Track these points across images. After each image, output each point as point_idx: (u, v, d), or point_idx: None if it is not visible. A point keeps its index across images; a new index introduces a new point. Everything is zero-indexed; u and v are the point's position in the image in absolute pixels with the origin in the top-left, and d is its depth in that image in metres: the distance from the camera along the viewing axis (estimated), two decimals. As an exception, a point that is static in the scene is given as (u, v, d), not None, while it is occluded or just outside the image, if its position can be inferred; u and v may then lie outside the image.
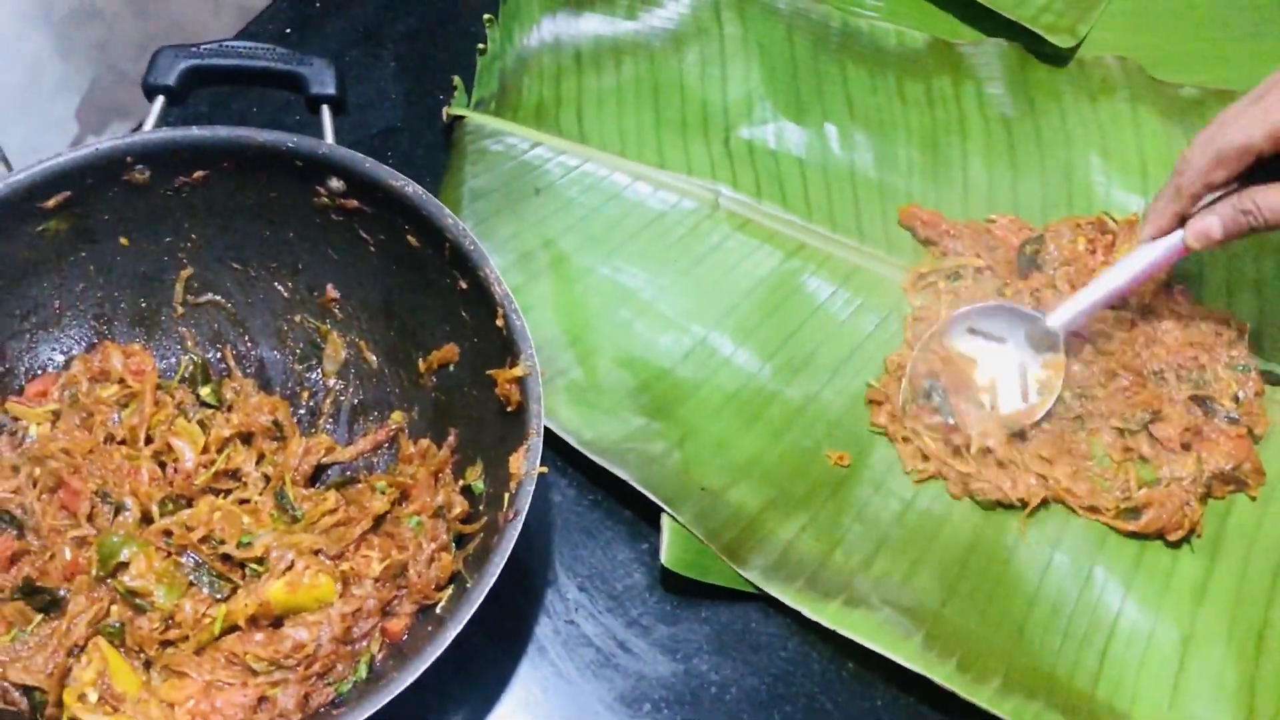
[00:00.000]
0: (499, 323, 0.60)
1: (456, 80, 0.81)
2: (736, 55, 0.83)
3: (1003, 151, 0.82)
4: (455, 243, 0.62)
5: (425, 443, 0.66)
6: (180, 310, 0.69)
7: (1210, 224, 0.65)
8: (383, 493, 0.63)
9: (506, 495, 0.56)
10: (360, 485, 0.64)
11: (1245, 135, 0.62)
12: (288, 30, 0.84)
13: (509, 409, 0.60)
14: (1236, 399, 0.72)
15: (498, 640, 0.63)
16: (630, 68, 0.83)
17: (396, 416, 0.68)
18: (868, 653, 0.63)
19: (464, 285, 0.63)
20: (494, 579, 0.53)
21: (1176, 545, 0.68)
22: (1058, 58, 0.87)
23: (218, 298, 0.70)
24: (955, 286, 0.74)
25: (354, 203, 0.65)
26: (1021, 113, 0.84)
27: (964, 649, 0.62)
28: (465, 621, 0.52)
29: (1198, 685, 0.64)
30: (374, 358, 0.69)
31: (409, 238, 0.65)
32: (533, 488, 0.55)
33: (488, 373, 0.62)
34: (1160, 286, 0.76)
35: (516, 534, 0.54)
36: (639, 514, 0.67)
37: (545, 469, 0.56)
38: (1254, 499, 0.71)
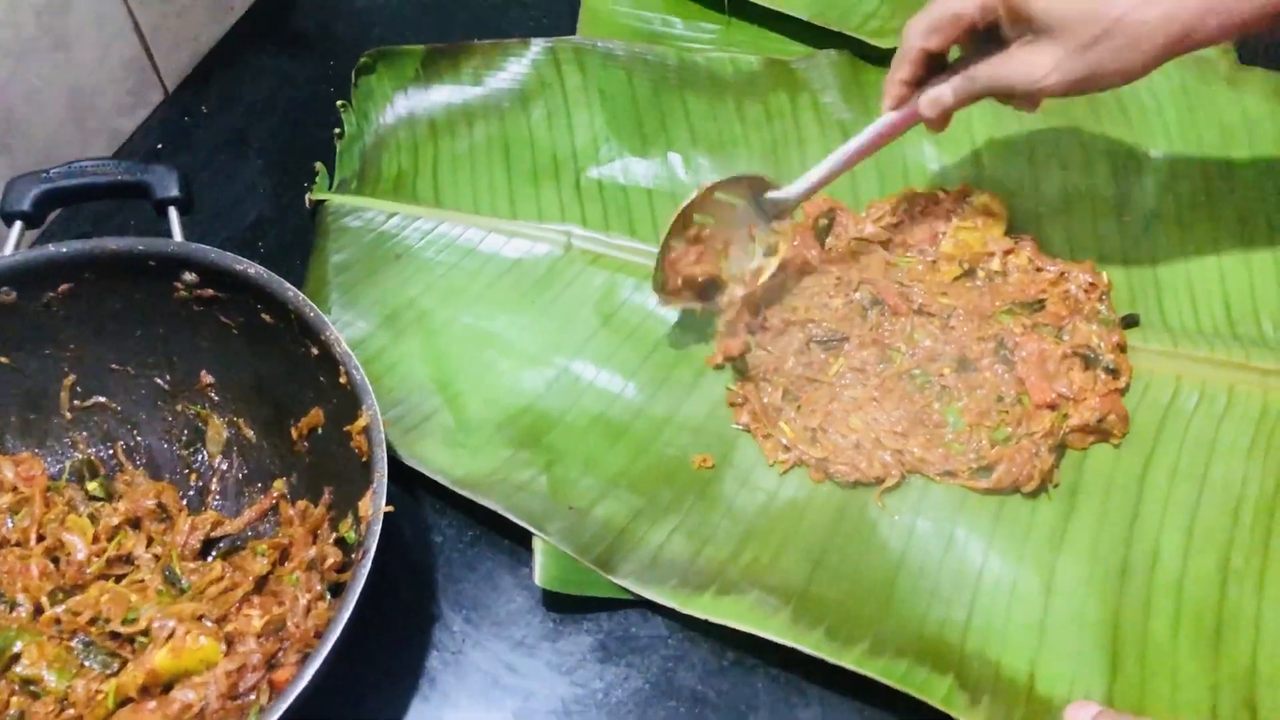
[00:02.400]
0: (343, 380, 0.65)
1: (319, 166, 0.87)
2: (580, 104, 0.89)
3: (840, 153, 0.86)
4: (298, 313, 0.67)
5: (303, 504, 0.70)
6: (69, 416, 0.74)
7: (941, 90, 0.70)
8: (263, 555, 0.67)
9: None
10: (244, 551, 0.68)
11: (957, 4, 0.67)
12: (159, 146, 0.90)
13: (364, 459, 0.64)
14: (1117, 347, 0.75)
15: (393, 680, 0.67)
16: (482, 129, 0.88)
17: (277, 484, 0.72)
18: (745, 640, 0.66)
19: (315, 352, 0.68)
20: (349, 610, 0.57)
21: (1033, 496, 0.71)
22: (887, 60, 0.91)
23: (103, 399, 0.74)
24: (773, 279, 0.78)
25: (209, 291, 0.70)
26: (856, 115, 0.89)
27: (831, 618, 0.66)
28: (328, 652, 0.56)
29: (1062, 627, 0.67)
30: (252, 433, 0.73)
31: (263, 316, 0.70)
32: (379, 527, 0.59)
33: (345, 429, 0.66)
34: (1003, 249, 0.79)
35: (367, 570, 0.58)
36: (516, 541, 0.70)
37: (391, 508, 0.61)
38: (1118, 447, 0.74)
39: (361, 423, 0.64)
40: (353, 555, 0.65)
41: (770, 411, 0.75)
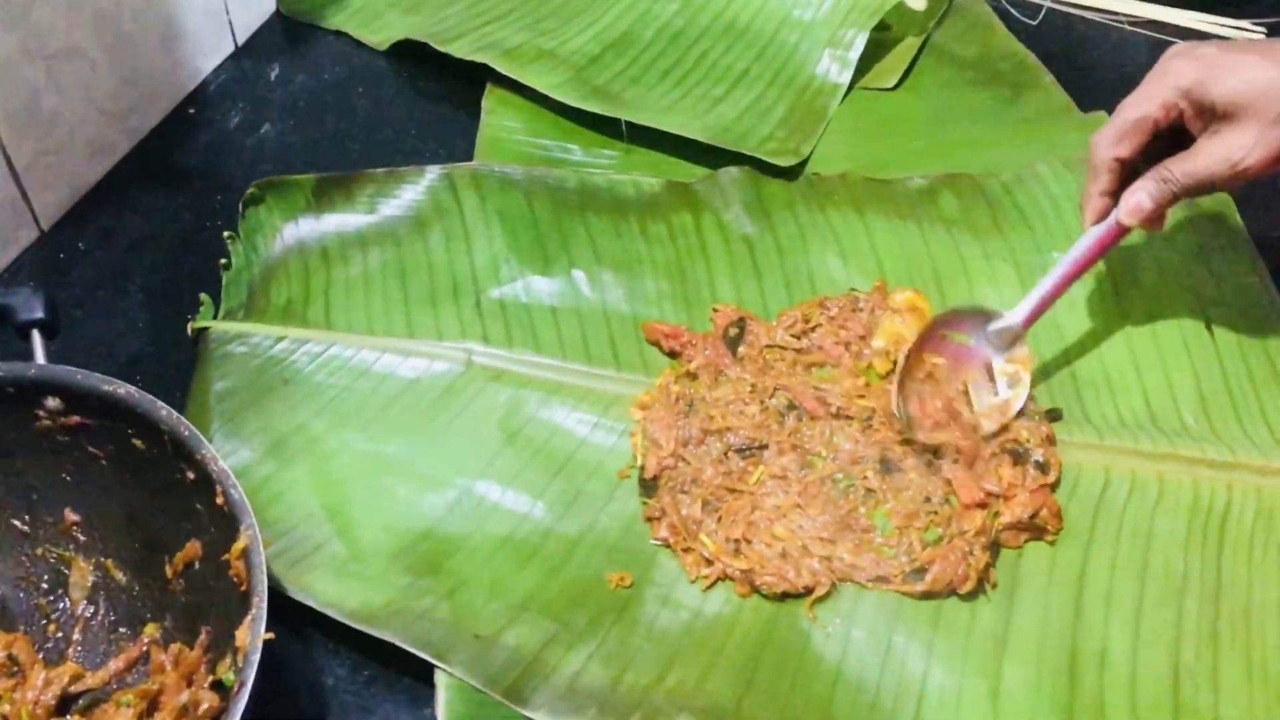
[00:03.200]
0: (219, 501, 0.59)
1: (203, 297, 0.83)
2: (478, 226, 0.87)
3: (746, 266, 0.86)
4: (172, 433, 0.62)
5: (176, 647, 0.63)
6: (-92, 566, 0.67)
7: (1139, 198, 0.70)
8: (128, 705, 0.59)
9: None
10: (106, 704, 0.60)
11: (1140, 109, 0.70)
12: (31, 283, 0.85)
13: (243, 589, 0.58)
14: (1047, 440, 0.73)
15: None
16: (376, 255, 0.86)
17: (149, 629, 0.65)
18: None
19: (191, 476, 0.62)
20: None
21: (971, 598, 0.67)
22: (789, 175, 0.92)
23: (-48, 545, 0.67)
24: (688, 388, 0.76)
25: (75, 418, 0.65)
26: (760, 229, 0.88)
27: (766, 743, 0.60)
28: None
29: (1016, 732, 0.62)
30: (122, 575, 0.67)
31: (135, 441, 0.64)
32: (258, 656, 0.54)
33: (222, 559, 0.60)
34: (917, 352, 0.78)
35: (243, 704, 0.52)
36: (416, 678, 0.64)
37: (272, 635, 0.54)
38: (1053, 544, 0.71)
39: (240, 544, 0.58)
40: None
41: (690, 524, 0.71)
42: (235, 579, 0.59)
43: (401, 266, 0.85)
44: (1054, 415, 0.77)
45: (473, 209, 0.88)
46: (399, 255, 0.86)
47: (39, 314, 0.69)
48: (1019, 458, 0.73)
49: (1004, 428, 0.74)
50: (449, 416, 0.76)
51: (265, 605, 0.55)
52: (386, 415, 0.76)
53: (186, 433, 0.62)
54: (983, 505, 0.71)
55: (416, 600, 0.66)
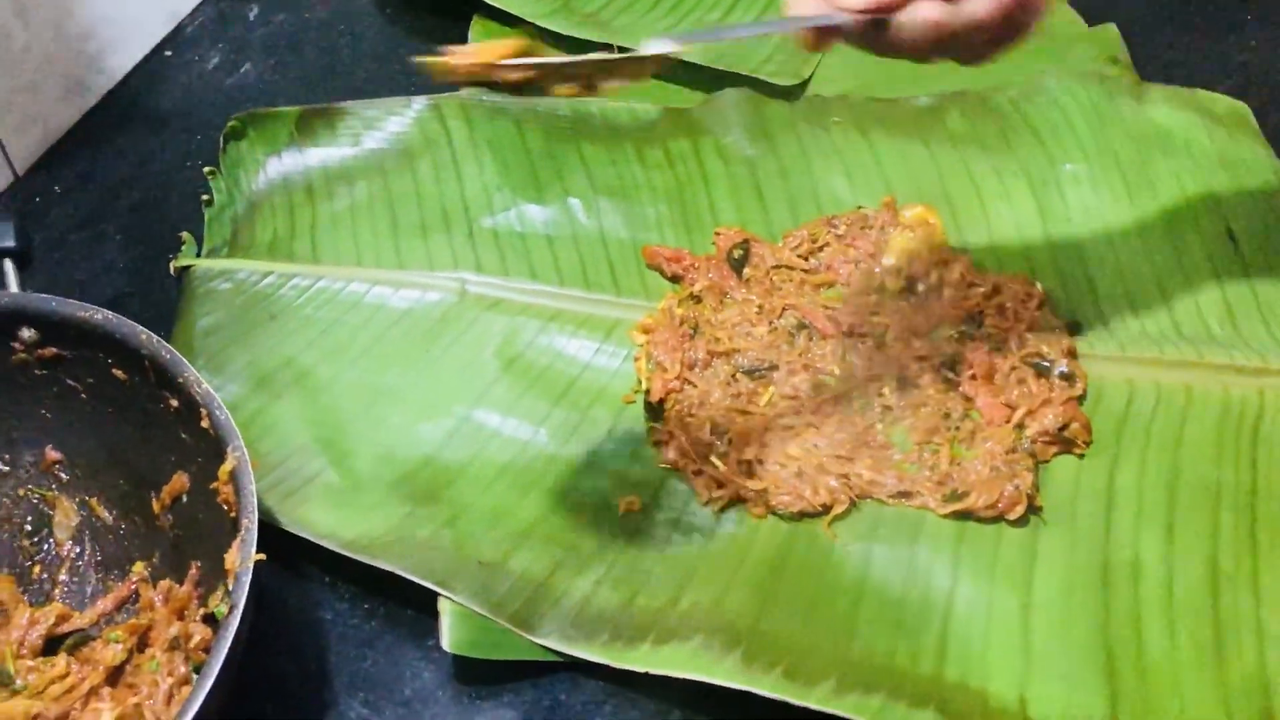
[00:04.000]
0: (205, 424, 0.57)
1: (185, 235, 0.80)
2: (468, 156, 0.84)
3: (748, 188, 0.83)
4: (153, 357, 0.59)
5: (165, 584, 0.61)
6: (-118, 512, 0.64)
7: None
8: (118, 642, 0.57)
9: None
10: (96, 642, 0.58)
11: None
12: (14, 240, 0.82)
13: (233, 515, 0.55)
14: (1069, 353, 0.71)
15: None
16: (364, 188, 0.83)
17: (137, 568, 0.63)
18: (693, 696, 0.58)
19: (175, 404, 0.60)
20: (211, 679, 0.47)
21: (1022, 523, 0.65)
22: (789, 96, 0.89)
23: (-75, 489, 0.65)
24: (692, 311, 0.73)
25: (51, 350, 0.63)
26: (762, 150, 0.85)
27: (789, 658, 0.58)
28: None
29: (1048, 647, 0.60)
30: (107, 513, 0.65)
31: (115, 372, 0.62)
32: (248, 579, 0.51)
33: (211, 487, 0.57)
34: (936, 265, 0.75)
35: (234, 627, 0.49)
36: (419, 610, 0.62)
37: (263, 556, 0.52)
38: (1082, 457, 0.68)
39: (228, 466, 0.55)
40: (223, 630, 0.56)
41: (699, 446, 0.68)
42: (224, 505, 0.57)
43: (389, 198, 0.82)
44: (1074, 328, 0.75)
45: (461, 138, 0.85)
46: (386, 187, 0.83)
47: (9, 242, 0.66)
48: (1042, 371, 0.71)
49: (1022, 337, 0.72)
50: (443, 346, 0.73)
51: (255, 526, 0.53)
52: (379, 347, 0.73)
53: (168, 356, 0.59)
54: (1007, 421, 0.69)
55: (417, 528, 0.63)
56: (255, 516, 0.53)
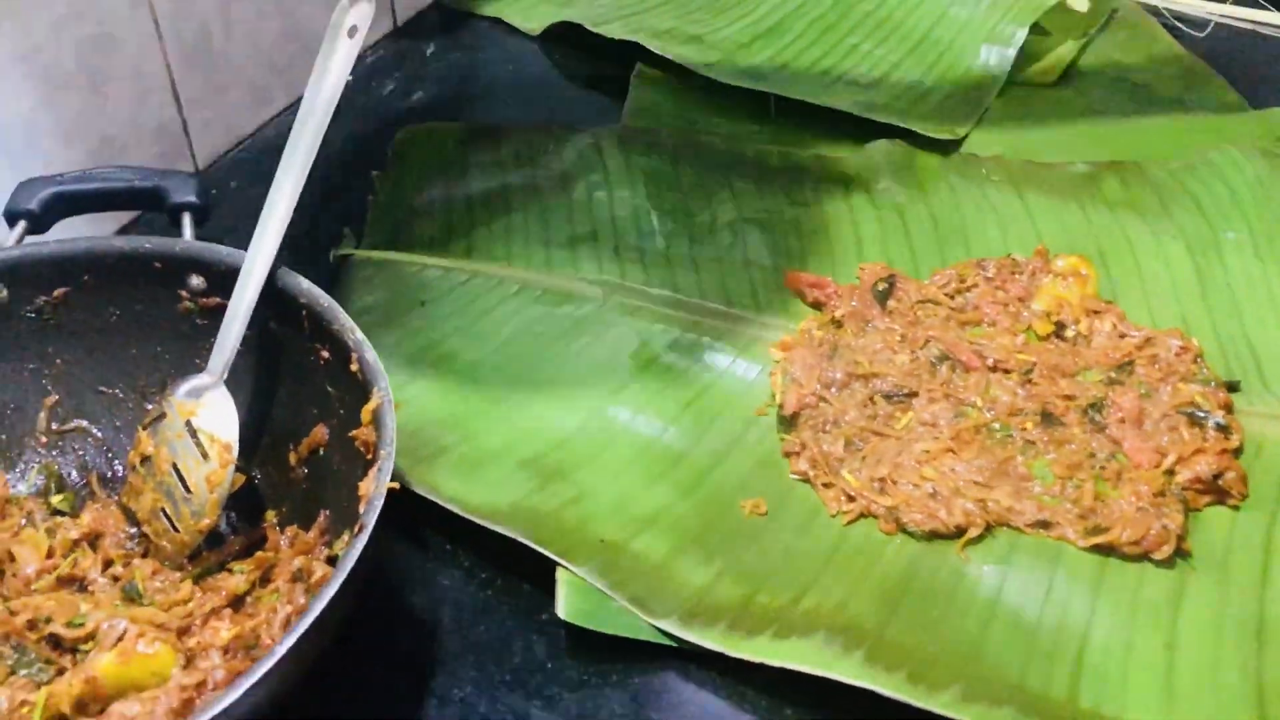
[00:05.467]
0: (354, 368, 0.58)
1: (346, 230, 0.84)
2: (622, 182, 0.86)
3: (896, 230, 0.84)
4: (310, 305, 0.61)
5: (292, 530, 0.61)
6: (44, 439, 0.67)
7: None
8: (242, 574, 0.58)
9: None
10: (222, 573, 0.59)
11: None
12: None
13: (369, 457, 0.56)
14: (1224, 407, 0.68)
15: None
16: (520, 201, 0.85)
17: (268, 516, 0.64)
18: (807, 696, 0.56)
19: (326, 354, 0.62)
20: (326, 599, 0.47)
21: (1169, 565, 0.61)
22: (943, 151, 0.90)
23: (84, 423, 0.68)
24: (832, 334, 0.73)
25: (215, 299, 0.65)
26: (912, 197, 0.86)
27: (913, 664, 0.55)
28: (285, 652, 0.46)
29: (1195, 688, 0.56)
30: (244, 461, 0.66)
31: (270, 324, 0.64)
32: (380, 503, 0.51)
33: (349, 435, 0.59)
34: (1087, 314, 0.74)
35: (360, 549, 0.50)
36: (536, 584, 0.61)
37: (397, 485, 0.52)
38: (1237, 509, 0.65)
39: (372, 404, 0.56)
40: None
41: (831, 460, 0.67)
42: (361, 449, 0.58)
43: (543, 212, 0.85)
44: (1232, 386, 0.72)
45: (617, 166, 0.88)
46: (541, 203, 0.86)
47: (191, 197, 0.69)
48: (1196, 420, 0.68)
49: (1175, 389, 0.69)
50: (582, 344, 0.74)
51: (392, 457, 0.53)
52: (521, 339, 0.74)
53: (325, 304, 0.61)
54: (1157, 465, 0.66)
55: (541, 503, 0.63)
56: (393, 449, 0.54)
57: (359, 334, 0.59)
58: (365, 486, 0.54)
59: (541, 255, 0.81)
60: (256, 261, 0.63)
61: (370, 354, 0.58)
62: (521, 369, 0.72)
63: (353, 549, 0.50)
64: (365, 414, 0.57)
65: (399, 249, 0.82)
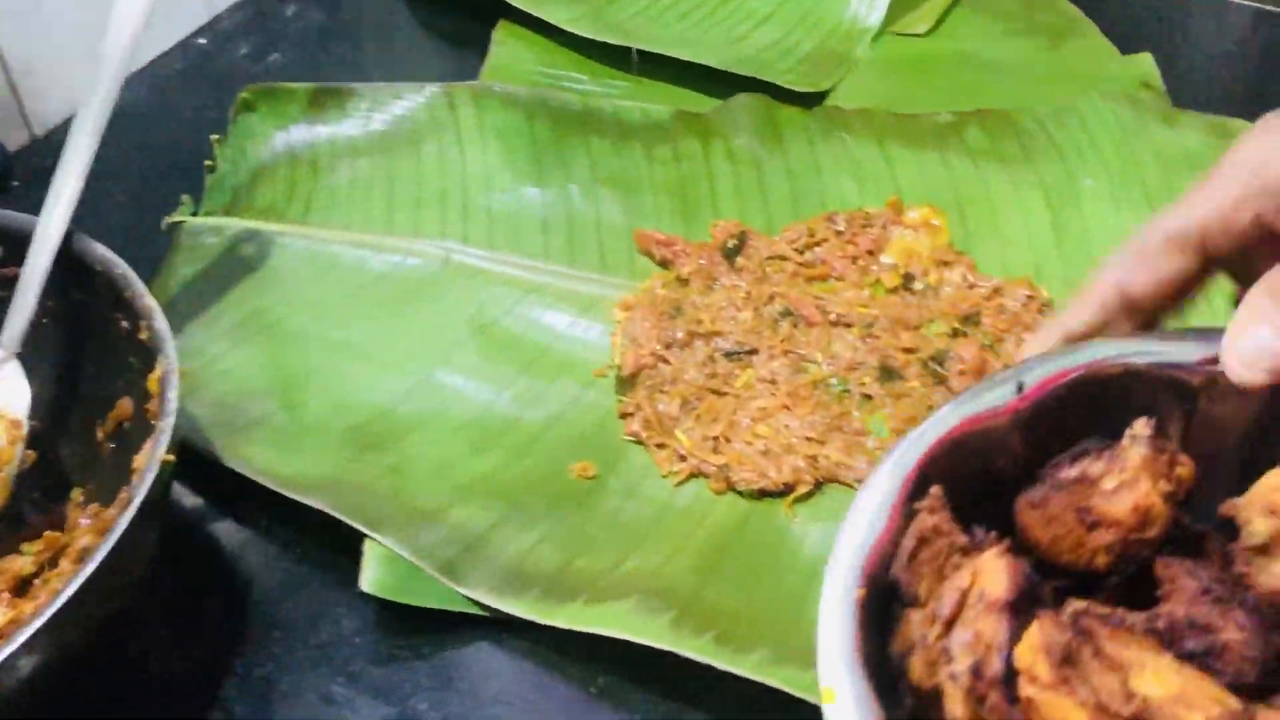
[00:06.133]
0: (143, 335, 0.56)
1: (184, 197, 0.81)
2: (474, 140, 0.84)
3: (752, 187, 0.82)
4: (105, 273, 0.59)
5: (94, 508, 0.59)
6: None
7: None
8: (28, 555, 0.55)
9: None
10: (10, 555, 0.56)
11: (1197, 212, 0.45)
12: (15, 184, 0.84)
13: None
14: None
15: (178, 712, 0.54)
16: (366, 165, 0.83)
17: (74, 494, 0.61)
18: (619, 664, 0.54)
19: (125, 324, 0.59)
20: (83, 577, 0.45)
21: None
22: (807, 104, 0.88)
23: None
24: (677, 293, 0.71)
25: (14, 269, 0.62)
26: (771, 152, 0.84)
27: (724, 625, 0.54)
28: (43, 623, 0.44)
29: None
30: (49, 437, 0.63)
31: (72, 294, 0.61)
32: (153, 476, 0.49)
33: (145, 407, 0.56)
34: (936, 264, 0.73)
35: (123, 526, 0.47)
36: (352, 557, 0.59)
37: (172, 457, 0.50)
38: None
39: (157, 373, 0.54)
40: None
41: (665, 420, 0.65)
42: (154, 421, 0.55)
43: (390, 174, 0.82)
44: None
45: (469, 124, 0.85)
46: (388, 164, 0.83)
47: (-12, 163, 0.66)
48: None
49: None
50: (417, 308, 0.72)
51: (170, 430, 0.51)
52: (351, 304, 0.72)
53: (119, 270, 0.59)
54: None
55: (356, 474, 0.61)
56: (172, 420, 0.52)
57: (149, 299, 0.57)
58: (140, 459, 0.51)
59: (384, 218, 0.78)
60: (50, 227, 0.60)
61: (160, 322, 0.56)
62: (349, 335, 0.70)
63: (116, 526, 0.47)
64: (151, 382, 0.55)
65: (236, 214, 0.79)
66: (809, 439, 0.64)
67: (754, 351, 0.69)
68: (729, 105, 0.88)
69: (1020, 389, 0.38)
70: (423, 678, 0.55)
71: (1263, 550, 0.34)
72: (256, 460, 0.61)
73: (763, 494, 0.62)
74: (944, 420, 0.38)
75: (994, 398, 0.39)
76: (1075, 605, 0.35)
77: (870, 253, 0.75)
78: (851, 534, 0.37)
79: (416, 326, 0.71)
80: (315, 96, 0.87)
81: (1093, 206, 0.79)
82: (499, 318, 0.71)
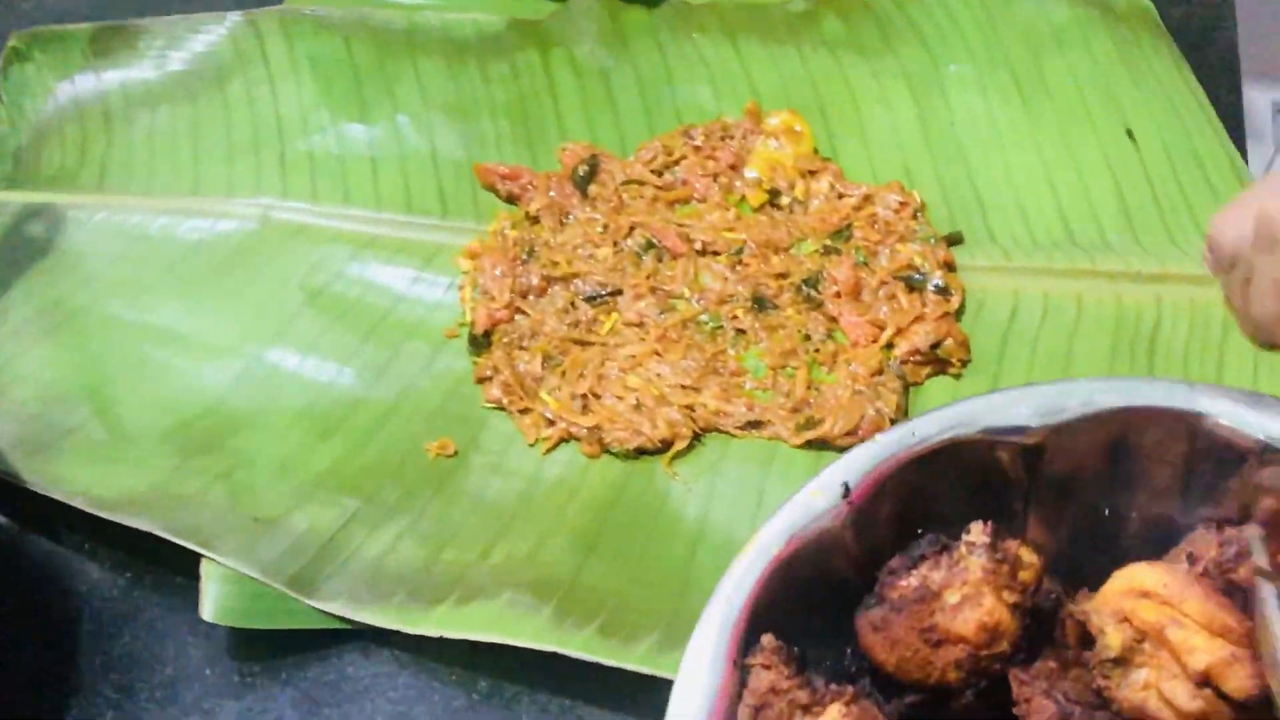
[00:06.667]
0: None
1: (-43, 171, 0.71)
2: (286, 74, 0.76)
3: (601, 101, 0.76)
4: None
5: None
6: None
7: None
8: None
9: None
10: None
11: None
12: None
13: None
14: (944, 265, 0.64)
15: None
16: (167, 113, 0.74)
17: None
18: (501, 664, 0.50)
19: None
20: None
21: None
22: (650, 3, 0.81)
23: None
24: (528, 233, 0.65)
25: None
26: (619, 60, 0.77)
27: (607, 611, 0.50)
28: None
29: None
30: None
31: None
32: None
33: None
34: (802, 175, 0.68)
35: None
36: (191, 577, 0.53)
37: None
38: (959, 378, 0.61)
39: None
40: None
41: (527, 381, 0.60)
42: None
43: (195, 123, 0.73)
44: (953, 239, 0.67)
45: (279, 55, 0.76)
46: (193, 111, 0.74)
47: None
48: (915, 285, 0.64)
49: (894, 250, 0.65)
50: (238, 280, 0.65)
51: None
52: (163, 283, 0.65)
53: None
54: (874, 340, 0.61)
55: (185, 483, 0.55)
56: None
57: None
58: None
59: (190, 176, 0.70)
60: None
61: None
62: (164, 319, 0.63)
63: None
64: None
65: (19, 186, 0.70)
66: (683, 387, 0.60)
67: (617, 292, 0.64)
68: (568, 9, 0.80)
69: (847, 491, 0.37)
70: (285, 705, 0.50)
71: (1119, 663, 0.33)
72: (70, 480, 0.55)
73: (639, 453, 0.58)
74: (769, 546, 0.36)
75: (822, 503, 0.37)
76: None
77: (733, 167, 0.70)
78: (683, 703, 0.33)
79: (241, 301, 0.64)
80: (99, 37, 0.77)
81: (959, 96, 0.75)
82: (331, 281, 0.65)
